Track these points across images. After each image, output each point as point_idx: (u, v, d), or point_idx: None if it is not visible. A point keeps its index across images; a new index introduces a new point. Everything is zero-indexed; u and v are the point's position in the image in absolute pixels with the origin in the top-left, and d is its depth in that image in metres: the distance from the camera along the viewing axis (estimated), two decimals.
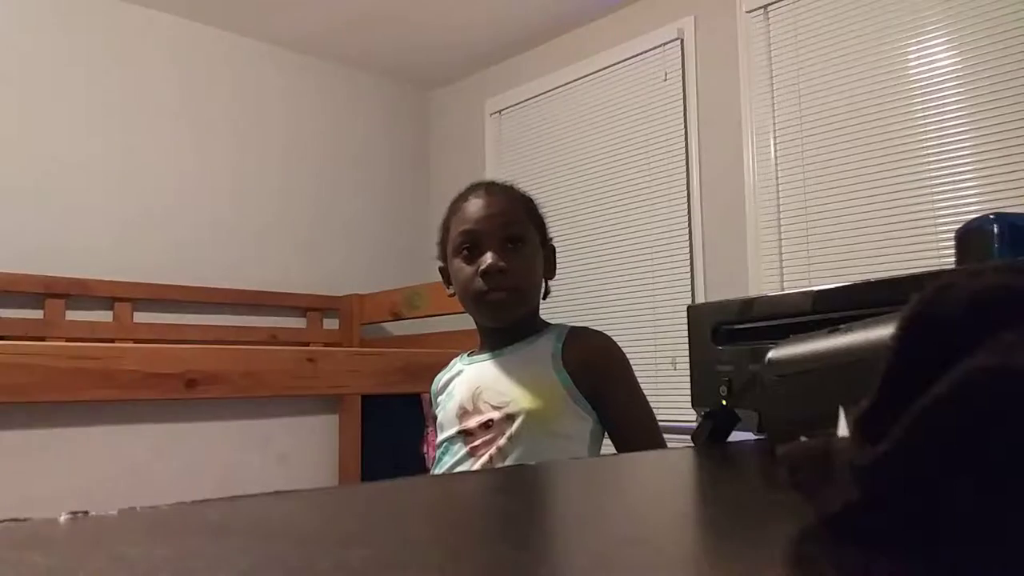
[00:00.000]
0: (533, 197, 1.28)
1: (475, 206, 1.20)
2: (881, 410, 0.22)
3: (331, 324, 3.45)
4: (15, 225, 2.74)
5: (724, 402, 0.56)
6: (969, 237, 0.60)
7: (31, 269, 2.69)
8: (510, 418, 1.12)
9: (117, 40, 3.02)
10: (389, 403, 2.53)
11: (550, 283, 1.28)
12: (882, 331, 0.33)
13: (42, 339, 2.59)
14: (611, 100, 3.12)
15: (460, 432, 1.18)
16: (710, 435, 0.57)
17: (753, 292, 2.47)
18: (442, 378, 1.31)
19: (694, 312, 0.62)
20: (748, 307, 0.59)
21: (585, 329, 1.24)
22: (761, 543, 0.26)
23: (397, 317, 3.20)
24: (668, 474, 0.48)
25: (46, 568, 0.22)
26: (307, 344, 3.17)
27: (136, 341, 2.66)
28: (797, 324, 0.50)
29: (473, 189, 1.24)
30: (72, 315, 2.78)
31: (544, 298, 1.26)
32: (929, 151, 2.24)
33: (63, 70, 2.88)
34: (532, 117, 3.44)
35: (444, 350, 2.38)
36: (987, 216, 0.59)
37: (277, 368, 2.06)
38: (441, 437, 1.23)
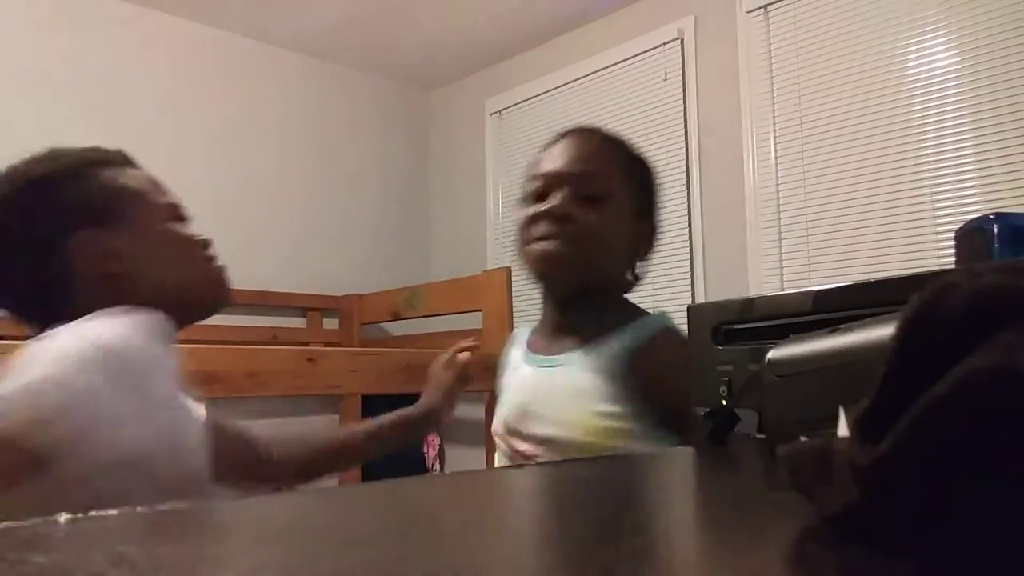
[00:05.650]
0: (648, 159, 1.04)
1: (556, 151, 0.98)
2: (881, 410, 0.22)
3: (331, 324, 3.45)
4: None
5: (724, 402, 0.56)
6: (969, 237, 0.60)
7: None
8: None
9: (117, 39, 3.02)
10: (389, 403, 2.53)
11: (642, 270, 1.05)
12: (882, 331, 0.33)
13: None
14: (611, 100, 3.12)
15: (507, 446, 1.01)
16: (710, 435, 0.57)
17: (753, 292, 2.47)
18: (507, 355, 1.11)
19: (694, 312, 0.62)
20: (748, 307, 0.58)
21: (676, 333, 0.94)
22: (761, 543, 0.26)
23: (397, 317, 3.20)
24: (668, 474, 0.48)
25: (46, 568, 0.22)
26: (307, 344, 3.17)
27: None
28: (797, 324, 0.50)
29: (565, 134, 1.02)
30: None
31: (634, 283, 1.04)
32: (929, 151, 2.24)
33: (63, 70, 2.88)
34: (532, 117, 3.44)
35: (444, 350, 2.37)
36: (987, 216, 0.59)
37: (277, 368, 2.06)
38: (495, 430, 1.05)
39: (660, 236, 1.06)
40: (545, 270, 0.97)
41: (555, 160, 0.97)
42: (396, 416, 1.17)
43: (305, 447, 1.08)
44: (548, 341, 1.03)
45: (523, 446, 0.96)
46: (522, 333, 1.11)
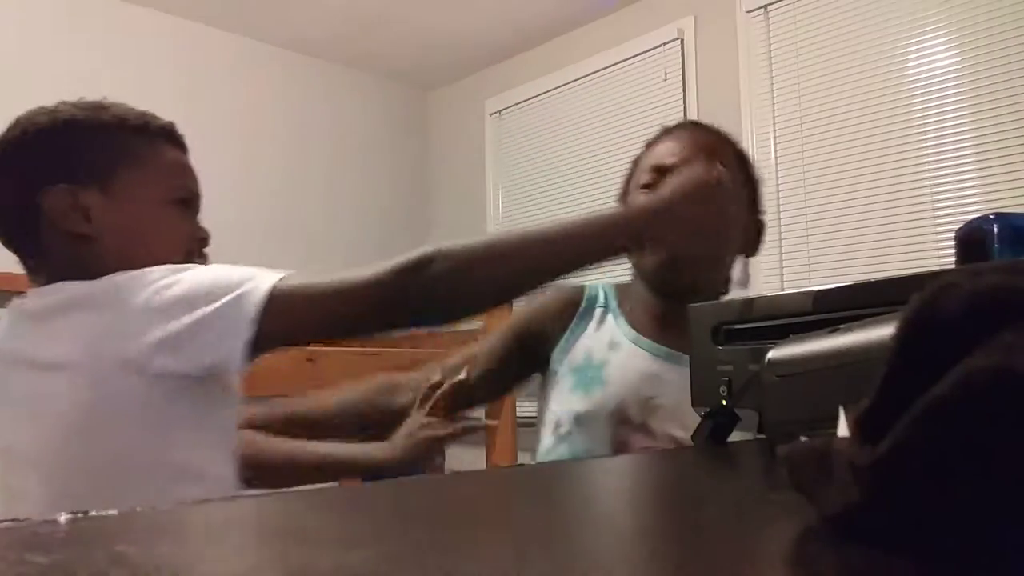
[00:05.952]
0: (751, 157, 1.03)
1: (669, 144, 0.97)
2: (881, 410, 0.22)
3: None
4: None
5: (724, 402, 0.56)
6: (969, 237, 0.60)
7: None
8: None
9: (117, 40, 3.02)
10: None
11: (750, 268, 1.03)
12: (882, 331, 0.33)
13: None
14: (611, 100, 3.12)
15: (612, 437, 0.94)
16: (710, 435, 0.57)
17: (753, 292, 2.47)
18: (584, 310, 1.02)
19: (694, 312, 0.62)
20: (748, 307, 0.58)
21: None
22: (761, 543, 0.26)
23: None
24: (668, 474, 0.48)
25: (46, 568, 0.22)
26: (307, 344, 3.16)
27: None
28: (797, 324, 0.50)
29: (676, 126, 1.02)
30: None
31: (745, 285, 1.00)
32: (929, 151, 2.24)
33: (63, 69, 2.88)
34: (532, 117, 3.44)
35: (444, 350, 2.37)
36: (987, 216, 0.59)
37: (276, 368, 2.06)
38: (577, 411, 0.95)
39: (766, 233, 1.04)
40: (670, 269, 0.94)
41: (672, 152, 0.95)
42: (352, 452, 1.05)
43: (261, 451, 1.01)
44: (657, 330, 0.98)
45: (644, 441, 0.92)
46: (606, 292, 1.04)
